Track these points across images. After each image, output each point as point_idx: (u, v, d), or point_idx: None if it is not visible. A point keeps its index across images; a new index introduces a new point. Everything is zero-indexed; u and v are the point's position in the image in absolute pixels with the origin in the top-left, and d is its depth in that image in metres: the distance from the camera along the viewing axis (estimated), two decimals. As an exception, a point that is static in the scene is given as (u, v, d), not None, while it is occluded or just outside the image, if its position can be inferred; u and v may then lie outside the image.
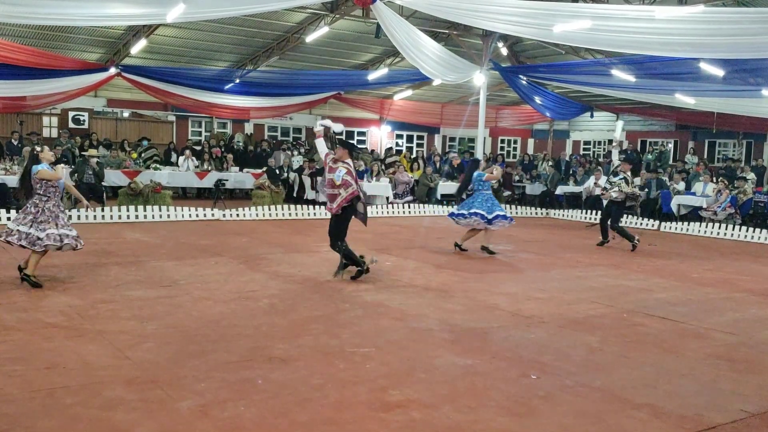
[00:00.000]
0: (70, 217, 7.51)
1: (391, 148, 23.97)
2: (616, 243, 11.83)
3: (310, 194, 17.29)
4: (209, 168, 18.19)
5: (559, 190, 19.48)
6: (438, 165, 20.63)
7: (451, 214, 10.89)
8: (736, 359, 5.31)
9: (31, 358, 4.67)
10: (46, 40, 17.10)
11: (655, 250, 11.76)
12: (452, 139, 27.64)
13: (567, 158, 23.02)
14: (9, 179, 13.76)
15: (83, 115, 20.37)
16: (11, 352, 4.78)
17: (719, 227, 14.48)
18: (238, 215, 14.22)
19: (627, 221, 16.35)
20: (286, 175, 18.31)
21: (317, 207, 15.37)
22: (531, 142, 28.21)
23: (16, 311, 5.92)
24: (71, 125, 19.93)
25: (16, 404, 3.86)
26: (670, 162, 21.84)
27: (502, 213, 10.45)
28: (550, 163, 22.15)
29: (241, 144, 21.77)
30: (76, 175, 14.28)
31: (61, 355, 4.78)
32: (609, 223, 11.85)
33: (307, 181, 17.61)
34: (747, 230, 14.05)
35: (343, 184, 7.81)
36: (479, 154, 19.59)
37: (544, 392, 4.39)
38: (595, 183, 18.47)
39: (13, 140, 17.33)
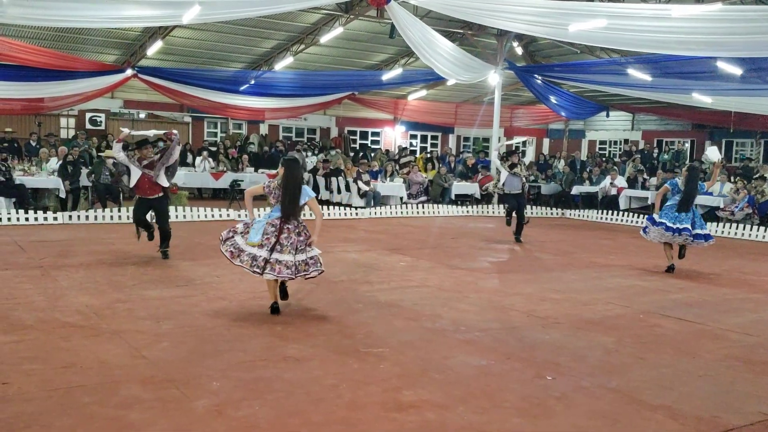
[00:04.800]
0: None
1: (405, 148, 23.97)
2: (632, 240, 11.71)
3: (324, 194, 17.32)
4: (224, 169, 18.30)
5: (575, 190, 19.37)
6: (452, 165, 20.58)
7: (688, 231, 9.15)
8: (753, 361, 5.25)
9: (48, 358, 4.72)
10: (63, 42, 17.29)
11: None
12: (466, 139, 27.62)
13: (583, 158, 22.87)
14: (27, 180, 13.91)
15: (100, 116, 20.61)
16: (29, 351, 4.84)
17: (736, 227, 14.32)
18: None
19: (633, 221, 16.21)
20: (300, 175, 18.36)
21: (332, 207, 15.41)
22: (546, 141, 28.08)
23: (34, 311, 5.99)
24: (88, 126, 20.19)
25: (33, 403, 3.90)
26: (687, 162, 21.64)
27: (705, 232, 9.23)
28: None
29: (255, 145, 21.87)
30: (93, 175, 14.43)
31: (78, 354, 4.82)
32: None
33: (321, 181, 17.65)
34: (765, 230, 13.87)
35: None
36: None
37: (559, 393, 4.36)
38: (611, 183, 18.39)
39: (31, 141, 17.58)
